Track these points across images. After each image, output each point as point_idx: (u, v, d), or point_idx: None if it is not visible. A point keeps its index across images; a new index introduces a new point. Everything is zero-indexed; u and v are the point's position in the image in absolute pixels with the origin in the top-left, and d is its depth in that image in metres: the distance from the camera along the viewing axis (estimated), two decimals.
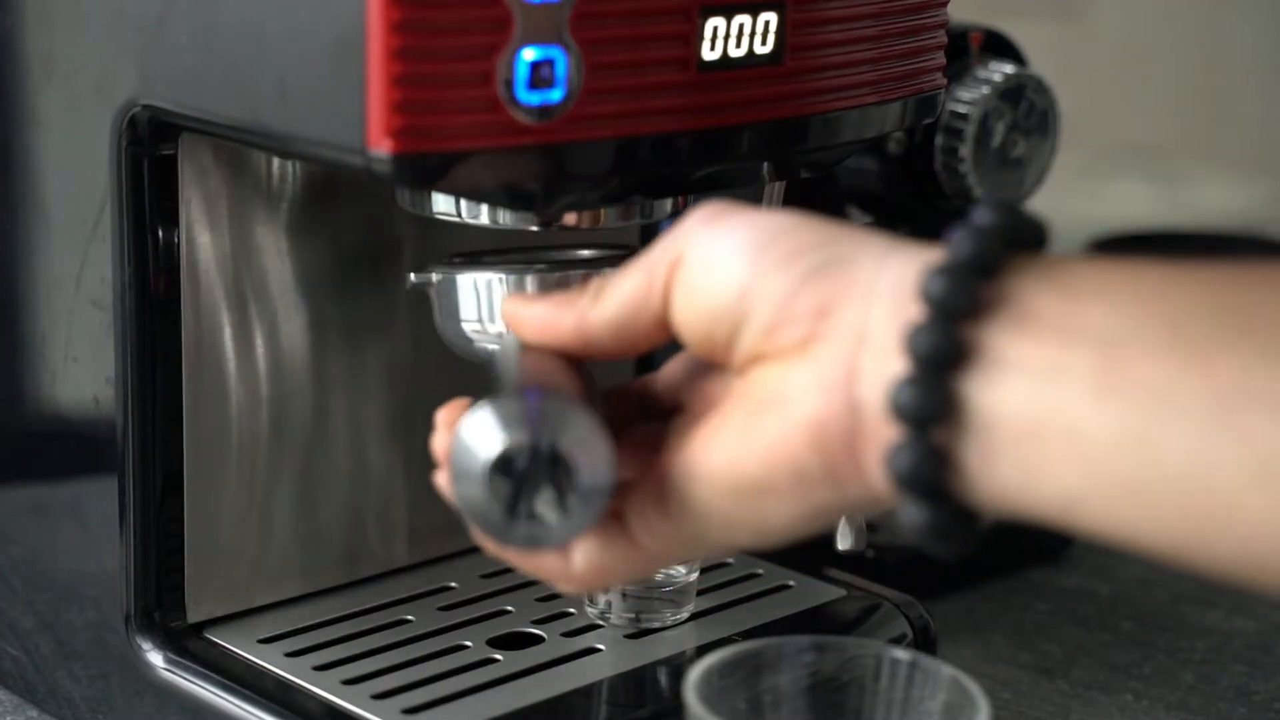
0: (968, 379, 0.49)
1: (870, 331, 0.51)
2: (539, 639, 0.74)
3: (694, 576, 0.76)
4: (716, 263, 0.54)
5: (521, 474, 0.52)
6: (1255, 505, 0.46)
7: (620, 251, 0.70)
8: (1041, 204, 0.97)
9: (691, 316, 0.55)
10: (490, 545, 0.56)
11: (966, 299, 0.49)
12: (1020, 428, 0.49)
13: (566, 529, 0.53)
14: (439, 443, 0.59)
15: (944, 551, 0.52)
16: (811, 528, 0.54)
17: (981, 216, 0.51)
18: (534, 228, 0.68)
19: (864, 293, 0.51)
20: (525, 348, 0.60)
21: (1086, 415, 0.48)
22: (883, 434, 0.51)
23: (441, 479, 0.58)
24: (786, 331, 0.52)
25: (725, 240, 0.54)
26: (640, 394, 0.62)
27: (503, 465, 0.52)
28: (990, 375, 0.49)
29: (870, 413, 0.51)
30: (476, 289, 0.67)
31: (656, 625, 0.75)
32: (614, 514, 0.56)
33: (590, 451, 0.52)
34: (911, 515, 0.51)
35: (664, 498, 0.55)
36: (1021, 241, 0.51)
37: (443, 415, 0.59)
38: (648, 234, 0.80)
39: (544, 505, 0.52)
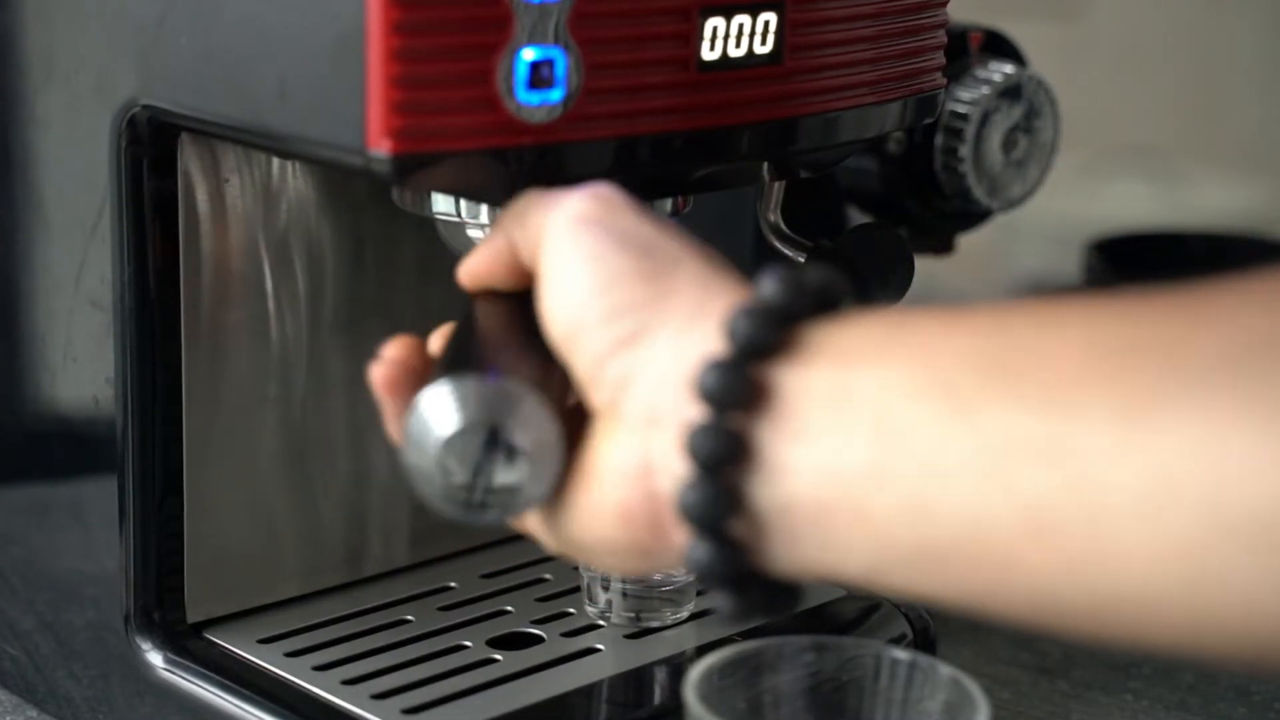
0: (749, 477, 0.50)
1: (660, 419, 0.52)
2: (539, 639, 0.74)
3: (694, 576, 0.76)
4: (560, 291, 0.54)
5: (471, 454, 0.53)
6: (1031, 555, 0.46)
7: None
8: (1041, 204, 0.97)
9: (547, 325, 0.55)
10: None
11: (740, 393, 0.50)
12: (811, 513, 0.49)
13: (511, 507, 0.54)
14: (384, 379, 0.59)
15: (767, 618, 0.53)
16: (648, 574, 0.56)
17: (763, 290, 0.51)
18: None
19: (658, 373, 0.52)
20: (486, 308, 0.60)
21: (867, 493, 0.48)
22: (681, 528, 0.51)
23: (391, 424, 0.59)
24: (598, 391, 0.53)
25: (575, 265, 0.54)
26: None
27: (456, 444, 0.53)
28: (770, 473, 0.50)
29: (667, 506, 0.52)
30: None
31: (656, 625, 0.75)
32: None
33: (538, 439, 0.53)
34: (723, 602, 0.52)
35: (547, 526, 0.57)
36: (809, 308, 0.51)
37: (391, 353, 0.60)
38: None
39: (489, 483, 0.54)
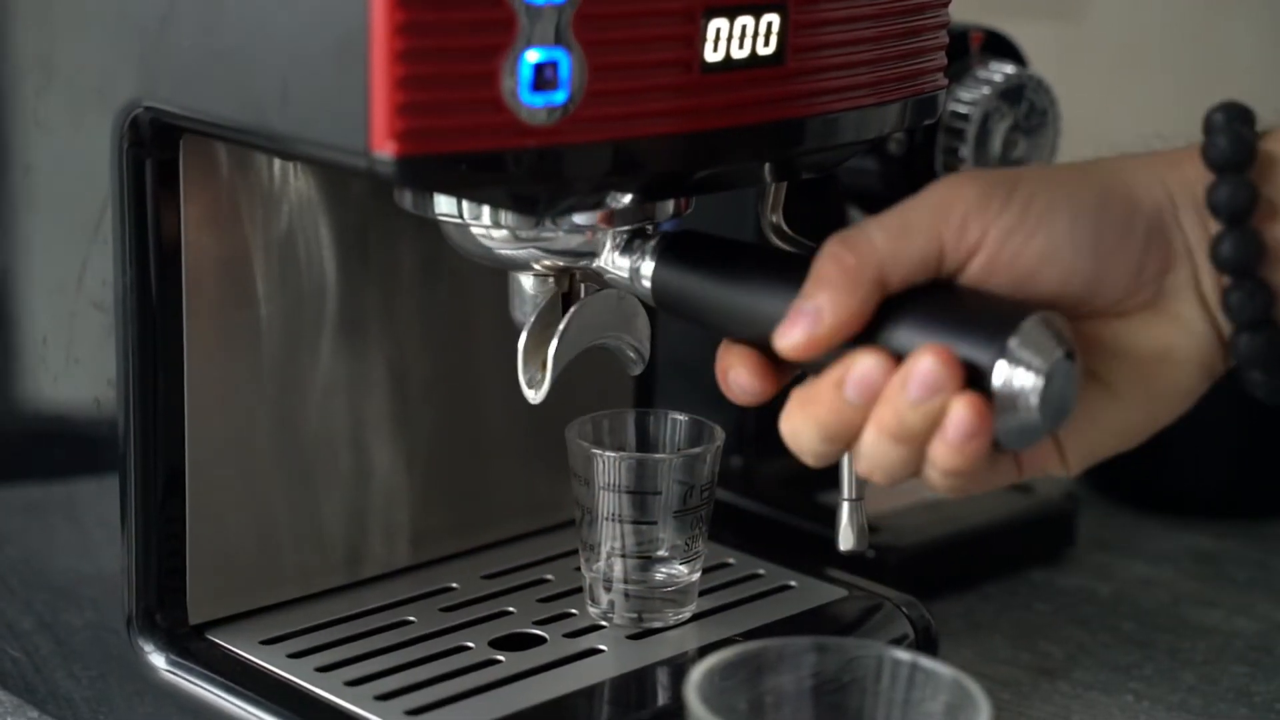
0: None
1: (1204, 284, 0.62)
2: (541, 640, 0.74)
3: (696, 576, 0.76)
4: (1052, 259, 0.60)
5: (1060, 380, 0.59)
6: None
7: None
8: None
9: (1018, 291, 0.61)
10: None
11: (1254, 251, 0.60)
12: None
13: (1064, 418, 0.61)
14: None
15: None
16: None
17: (1221, 153, 0.61)
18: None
19: (1183, 250, 0.62)
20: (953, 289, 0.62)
21: None
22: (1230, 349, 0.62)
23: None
24: (1138, 297, 0.62)
25: (1050, 235, 0.60)
26: None
27: (1055, 373, 0.59)
28: None
29: (1225, 339, 0.62)
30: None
31: (659, 625, 0.75)
32: None
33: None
34: (1265, 388, 0.62)
35: (1064, 451, 0.64)
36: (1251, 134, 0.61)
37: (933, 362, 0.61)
38: None
39: (1066, 396, 0.60)
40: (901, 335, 0.61)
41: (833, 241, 0.61)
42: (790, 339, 0.61)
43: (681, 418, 0.77)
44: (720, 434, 0.75)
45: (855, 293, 0.60)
